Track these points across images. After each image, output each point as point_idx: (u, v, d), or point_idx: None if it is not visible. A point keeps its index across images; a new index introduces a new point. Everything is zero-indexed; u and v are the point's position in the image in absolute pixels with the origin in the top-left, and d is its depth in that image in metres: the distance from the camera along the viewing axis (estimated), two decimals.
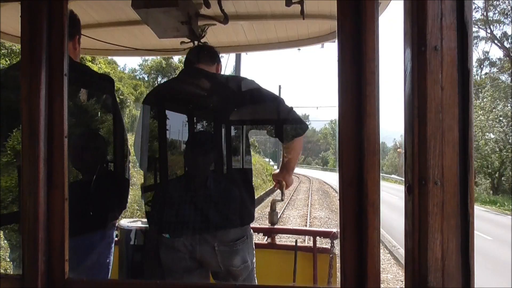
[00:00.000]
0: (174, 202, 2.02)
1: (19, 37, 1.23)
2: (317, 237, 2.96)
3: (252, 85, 2.05)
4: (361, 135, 1.08)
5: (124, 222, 2.52)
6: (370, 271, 1.10)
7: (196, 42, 2.57)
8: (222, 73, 2.36)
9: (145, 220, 2.96)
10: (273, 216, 3.00)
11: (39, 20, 1.21)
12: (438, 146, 1.02)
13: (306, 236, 6.26)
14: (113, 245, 2.17)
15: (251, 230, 2.12)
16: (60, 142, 1.17)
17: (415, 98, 1.02)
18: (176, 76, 2.32)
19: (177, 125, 2.29)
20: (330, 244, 2.87)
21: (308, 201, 21.59)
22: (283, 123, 2.03)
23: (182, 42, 2.59)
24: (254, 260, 2.11)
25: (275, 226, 3.00)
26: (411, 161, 1.05)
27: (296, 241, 2.97)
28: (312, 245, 2.92)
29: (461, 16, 1.01)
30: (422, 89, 1.01)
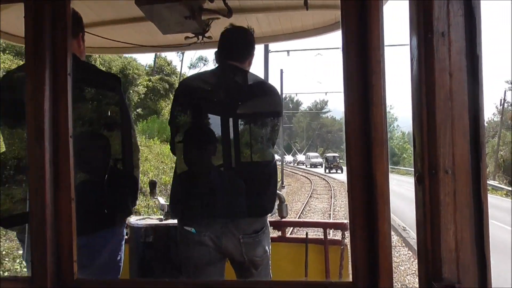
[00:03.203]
0: (197, 195, 2.09)
1: (23, 38, 1.23)
2: (328, 229, 2.95)
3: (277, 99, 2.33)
4: (368, 125, 1.06)
5: (133, 220, 2.53)
6: (381, 263, 1.08)
7: (200, 37, 2.55)
8: None
9: (154, 217, 2.98)
10: (282, 208, 2.99)
11: (42, 21, 1.21)
12: (448, 134, 0.99)
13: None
14: (123, 242, 2.18)
15: (268, 220, 2.22)
16: (65, 142, 1.17)
17: (422, 86, 1.00)
18: (211, 70, 2.39)
19: (200, 118, 2.34)
20: (341, 236, 2.86)
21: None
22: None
23: (186, 37, 2.58)
24: (270, 247, 2.20)
25: (284, 219, 3.00)
26: (420, 150, 1.02)
27: (306, 233, 2.97)
28: (323, 237, 2.91)
29: (468, 1, 0.97)
30: (430, 77, 0.99)
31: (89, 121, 2.10)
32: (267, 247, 2.13)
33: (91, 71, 2.27)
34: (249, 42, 2.27)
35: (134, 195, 2.23)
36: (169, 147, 2.36)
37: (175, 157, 2.27)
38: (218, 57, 2.24)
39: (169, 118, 2.34)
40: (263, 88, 2.30)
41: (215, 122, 2.31)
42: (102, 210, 2.02)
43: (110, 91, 2.18)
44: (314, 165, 56.51)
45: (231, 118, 2.23)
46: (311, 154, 64.20)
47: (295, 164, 63.48)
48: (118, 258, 2.12)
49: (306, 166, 58.34)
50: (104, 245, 2.04)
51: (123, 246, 2.17)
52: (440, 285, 1.00)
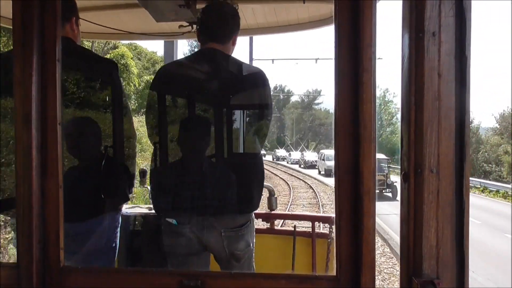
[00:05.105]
0: (181, 188, 2.04)
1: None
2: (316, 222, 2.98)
3: (263, 82, 2.06)
4: (358, 122, 1.07)
5: (123, 208, 2.53)
6: (365, 258, 1.10)
7: (194, 26, 2.53)
8: None
9: (144, 206, 2.99)
10: (271, 201, 3.02)
11: (31, 4, 1.19)
12: (434, 134, 1.01)
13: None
14: (119, 229, 2.19)
15: (253, 214, 2.17)
16: (54, 129, 1.16)
17: (412, 85, 1.01)
18: (189, 56, 2.27)
19: (179, 108, 2.28)
20: (328, 229, 2.89)
21: None
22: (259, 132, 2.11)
23: (180, 26, 2.56)
24: (254, 241, 2.17)
25: (274, 212, 3.02)
26: (407, 149, 1.04)
27: (294, 226, 2.99)
28: (310, 230, 2.94)
29: (459, 2, 0.98)
30: (419, 76, 1.00)
31: (82, 106, 2.09)
32: (250, 241, 2.09)
33: (86, 56, 2.25)
34: (232, 20, 2.07)
35: (131, 181, 2.23)
36: (148, 136, 2.24)
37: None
38: (199, 38, 2.10)
39: (146, 107, 2.25)
40: (247, 77, 2.14)
41: (198, 112, 2.25)
42: (98, 196, 2.03)
43: (105, 76, 2.17)
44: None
45: (212, 108, 2.17)
46: (327, 152, 34.69)
47: (301, 166, 40.66)
48: (114, 244, 2.14)
49: (319, 171, 34.48)
50: (100, 231, 2.05)
51: (119, 232, 2.18)
52: (420, 280, 1.02)
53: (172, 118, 2.18)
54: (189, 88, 2.15)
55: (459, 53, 0.99)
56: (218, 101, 2.12)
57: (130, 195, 2.24)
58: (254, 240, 2.16)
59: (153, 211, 2.80)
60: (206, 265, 2.11)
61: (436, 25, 0.99)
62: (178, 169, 2.09)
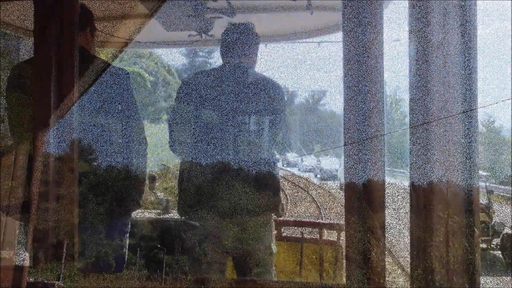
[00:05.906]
0: (202, 188, 2.14)
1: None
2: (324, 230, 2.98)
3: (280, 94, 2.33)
4: (366, 127, 1.09)
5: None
6: (374, 267, 1.11)
7: (203, 35, 2.58)
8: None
9: (153, 210, 3.01)
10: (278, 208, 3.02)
11: (49, 17, 1.23)
12: (442, 142, 1.02)
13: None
14: (127, 235, 2.22)
15: (272, 219, 2.26)
16: (69, 137, 1.19)
17: (419, 95, 1.03)
18: (212, 69, 2.44)
19: (202, 118, 2.38)
20: (336, 237, 2.89)
21: None
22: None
23: (189, 35, 2.61)
24: (275, 247, 2.24)
25: (281, 218, 3.03)
26: (415, 158, 1.05)
27: (302, 233, 3.00)
28: (318, 237, 2.94)
29: (465, 14, 1.00)
30: (426, 87, 1.01)
31: (93, 113, 2.13)
32: (271, 245, 2.17)
33: (97, 64, 2.30)
34: (248, 38, 2.34)
35: (141, 189, 2.27)
36: (170, 145, 2.37)
37: (181, 154, 2.34)
38: (221, 55, 2.32)
39: (172, 115, 2.41)
40: (264, 86, 2.36)
41: (220, 120, 2.34)
42: (109, 202, 2.07)
43: (116, 84, 2.21)
44: None
45: (233, 115, 2.28)
46: None
47: (317, 176, 25.36)
48: (124, 250, 2.16)
49: (341, 186, 14.52)
50: (110, 236, 2.08)
51: (128, 238, 2.21)
52: None
53: (195, 127, 2.31)
54: (210, 99, 2.30)
55: (465, 64, 1.01)
56: (238, 112, 2.27)
57: (141, 201, 2.27)
58: (275, 247, 2.22)
59: (161, 216, 2.84)
60: (221, 271, 2.15)
61: (441, 37, 1.00)
62: (203, 174, 2.18)
